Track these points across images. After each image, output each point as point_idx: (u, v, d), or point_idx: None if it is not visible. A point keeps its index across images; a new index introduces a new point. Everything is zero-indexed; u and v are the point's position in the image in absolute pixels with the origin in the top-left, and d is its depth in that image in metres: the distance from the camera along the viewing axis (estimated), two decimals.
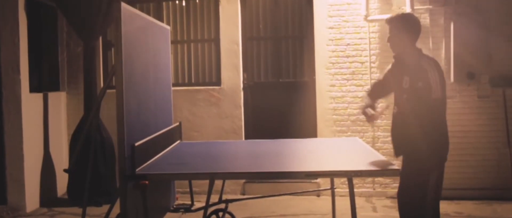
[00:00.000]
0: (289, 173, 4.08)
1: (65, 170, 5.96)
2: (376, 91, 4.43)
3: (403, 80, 3.97)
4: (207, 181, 3.99)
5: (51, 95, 7.38)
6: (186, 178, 4.51)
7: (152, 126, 4.80)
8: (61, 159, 7.51)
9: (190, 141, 6.32)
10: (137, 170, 3.98)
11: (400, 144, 4.12)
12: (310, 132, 7.12)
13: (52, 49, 7.65)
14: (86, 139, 5.95)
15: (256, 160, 4.58)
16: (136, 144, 4.04)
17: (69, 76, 7.83)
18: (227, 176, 4.15)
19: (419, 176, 3.94)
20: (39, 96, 7.12)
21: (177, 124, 5.71)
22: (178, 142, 5.59)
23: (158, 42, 5.23)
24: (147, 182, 3.87)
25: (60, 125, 7.60)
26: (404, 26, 4.06)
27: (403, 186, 4.10)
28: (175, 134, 5.55)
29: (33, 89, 7.00)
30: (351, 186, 3.81)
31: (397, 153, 4.17)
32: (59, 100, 7.65)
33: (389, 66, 4.25)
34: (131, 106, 4.18)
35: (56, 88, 7.70)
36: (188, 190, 5.57)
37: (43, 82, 7.43)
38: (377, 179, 7.04)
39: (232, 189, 7.25)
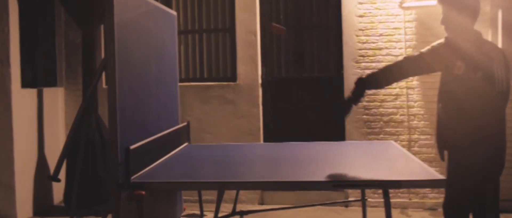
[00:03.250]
0: (313, 183, 3.70)
1: (48, 177, 5.66)
2: (391, 74, 3.92)
3: (455, 65, 3.62)
4: None
5: (47, 91, 7.13)
6: (190, 187, 4.16)
7: (153, 126, 4.49)
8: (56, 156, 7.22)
9: (200, 144, 5.98)
10: (132, 178, 3.69)
11: (446, 145, 3.75)
12: (337, 134, 6.91)
13: (48, 40, 7.41)
14: (73, 141, 5.64)
15: (274, 167, 4.29)
16: (132, 147, 3.71)
17: (67, 70, 7.58)
18: (239, 186, 3.77)
19: (470, 184, 3.61)
20: (32, 92, 6.87)
21: (185, 123, 5.36)
22: (185, 144, 5.28)
23: (162, 30, 4.94)
24: (143, 192, 3.60)
25: (57, 125, 7.33)
26: (461, 5, 3.76)
27: (451, 197, 3.72)
28: (181, 135, 5.25)
29: (25, 84, 6.77)
30: (387, 199, 3.52)
31: (442, 156, 3.81)
32: (55, 97, 7.38)
33: (435, 44, 3.80)
34: (126, 103, 3.88)
35: (52, 83, 7.46)
36: (198, 198, 5.26)
37: (38, 77, 7.19)
38: (414, 188, 6.70)
39: (248, 198, 7.01)
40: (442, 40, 3.80)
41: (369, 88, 4.02)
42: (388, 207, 3.53)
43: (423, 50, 3.83)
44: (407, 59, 3.92)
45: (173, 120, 5.17)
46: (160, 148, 4.44)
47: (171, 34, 5.23)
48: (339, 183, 3.61)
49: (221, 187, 3.58)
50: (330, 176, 3.71)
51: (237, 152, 4.99)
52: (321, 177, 3.77)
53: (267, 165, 4.45)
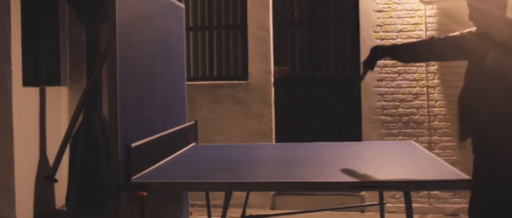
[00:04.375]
0: (327, 184, 3.51)
1: (44, 177, 5.54)
2: (416, 49, 3.75)
3: (487, 56, 3.41)
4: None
5: (50, 90, 7.03)
6: (194, 188, 3.99)
7: (157, 124, 4.36)
8: (61, 164, 7.06)
9: (208, 144, 5.83)
10: (133, 177, 3.52)
11: (469, 132, 3.54)
12: (353, 135, 6.79)
13: (51, 37, 7.32)
14: (69, 141, 5.53)
15: (286, 167, 4.12)
16: (133, 145, 3.55)
17: (71, 69, 7.50)
18: (248, 187, 3.59)
19: (499, 187, 3.35)
20: (34, 91, 6.77)
21: (192, 122, 5.22)
22: (192, 144, 5.12)
23: (169, 23, 4.83)
24: (145, 193, 3.43)
25: (60, 125, 7.22)
26: None
27: (477, 201, 3.48)
28: (189, 135, 5.10)
29: (27, 82, 6.65)
30: (408, 201, 3.33)
31: (462, 138, 3.58)
32: (59, 96, 7.28)
33: (465, 31, 3.61)
34: (128, 99, 3.74)
35: (56, 82, 7.37)
36: (205, 202, 5.08)
37: (40, 75, 7.10)
38: (433, 192, 6.63)
39: (260, 203, 6.93)
40: (472, 29, 3.60)
41: (387, 56, 3.85)
42: (409, 210, 3.36)
43: (451, 34, 3.63)
44: (434, 39, 3.77)
45: (179, 118, 5.03)
46: (164, 147, 4.28)
47: (178, 27, 5.10)
48: (356, 184, 3.42)
49: (228, 188, 3.40)
50: (346, 177, 3.54)
51: (247, 152, 4.86)
52: (336, 177, 3.60)
53: (279, 165, 4.30)
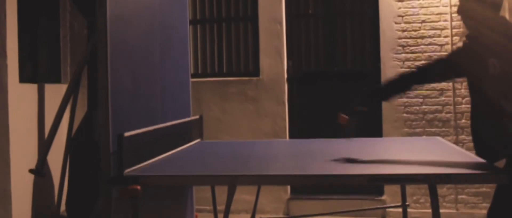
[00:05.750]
0: (343, 176, 3.25)
1: (30, 171, 5.36)
2: (407, 83, 3.80)
3: (488, 64, 3.32)
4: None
5: (49, 87, 6.84)
6: (193, 182, 3.74)
7: (157, 116, 4.20)
8: (61, 165, 6.91)
9: (217, 141, 5.66)
10: (126, 170, 3.31)
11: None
12: (374, 135, 6.60)
13: (51, 32, 7.17)
14: (74, 141, 5.38)
15: (298, 161, 3.93)
16: (126, 134, 3.32)
17: (73, 65, 7.30)
18: (253, 180, 3.32)
19: None
20: (32, 88, 6.58)
21: (197, 117, 5.00)
22: (197, 140, 4.90)
23: (169, 10, 4.64)
24: (138, 186, 3.22)
25: (60, 125, 6.97)
26: None
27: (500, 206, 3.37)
28: (193, 130, 4.92)
29: (25, 79, 6.47)
30: (434, 196, 3.10)
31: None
32: (59, 94, 7.04)
33: (455, 49, 3.72)
34: (121, 84, 3.58)
35: (56, 79, 7.20)
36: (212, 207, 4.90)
37: (39, 72, 6.92)
38: (460, 197, 6.48)
39: (273, 208, 6.82)
40: (461, 43, 3.62)
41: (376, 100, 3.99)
42: (436, 207, 3.11)
43: (440, 58, 3.71)
44: (424, 68, 3.78)
45: (183, 112, 4.85)
46: (164, 141, 4.10)
47: (181, 15, 4.93)
48: (375, 177, 3.16)
49: (232, 182, 3.13)
50: (364, 170, 3.31)
51: (257, 147, 4.66)
52: (353, 170, 3.37)
53: (290, 159, 4.11)
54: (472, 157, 3.68)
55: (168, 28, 4.56)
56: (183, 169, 3.60)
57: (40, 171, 4.90)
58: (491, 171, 3.12)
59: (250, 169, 3.52)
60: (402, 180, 3.47)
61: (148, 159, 3.68)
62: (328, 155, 3.96)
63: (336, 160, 3.74)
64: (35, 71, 6.83)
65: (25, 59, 6.57)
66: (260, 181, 3.48)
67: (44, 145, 4.81)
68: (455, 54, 3.67)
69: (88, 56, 4.28)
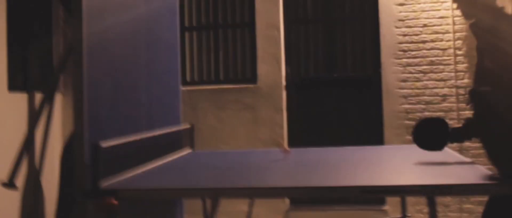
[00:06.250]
0: (335, 188, 3.04)
1: (3, 184, 5.20)
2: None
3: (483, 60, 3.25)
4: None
5: (41, 96, 6.67)
6: (173, 195, 3.55)
7: (141, 124, 4.01)
8: (52, 177, 6.76)
9: (208, 151, 5.55)
10: (103, 183, 3.12)
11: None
12: (375, 143, 6.58)
13: (44, 39, 7.08)
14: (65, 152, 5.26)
15: (291, 172, 3.72)
16: (103, 144, 3.13)
17: (66, 74, 7.15)
18: (238, 193, 3.11)
19: None
20: (22, 97, 6.44)
21: (187, 126, 4.83)
22: (187, 150, 4.73)
23: (157, 12, 4.52)
24: (115, 201, 3.03)
25: (52, 136, 6.82)
26: None
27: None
28: (182, 139, 4.75)
29: (14, 87, 6.34)
30: (432, 209, 2.95)
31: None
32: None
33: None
34: (100, 90, 3.38)
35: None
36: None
37: (30, 80, 6.77)
38: (466, 206, 6.39)
39: None
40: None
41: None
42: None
43: None
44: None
45: (171, 120, 4.69)
46: (148, 151, 3.92)
47: (169, 15, 4.74)
48: (368, 188, 2.96)
49: (214, 195, 2.94)
50: (357, 180, 3.14)
51: (249, 158, 4.51)
52: (346, 182, 3.18)
53: (283, 170, 3.88)
54: (475, 165, 3.53)
55: (156, 33, 4.41)
56: (165, 181, 3.41)
57: (12, 183, 4.76)
58: (493, 181, 2.92)
59: (235, 181, 3.33)
60: (397, 191, 3.27)
61: (129, 171, 3.49)
62: (323, 165, 3.82)
63: (331, 170, 3.57)
64: (26, 79, 6.70)
65: (16, 68, 6.45)
66: (244, 194, 3.28)
67: (16, 157, 4.67)
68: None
69: (63, 63, 4.11)
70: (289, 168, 3.85)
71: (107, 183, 3.14)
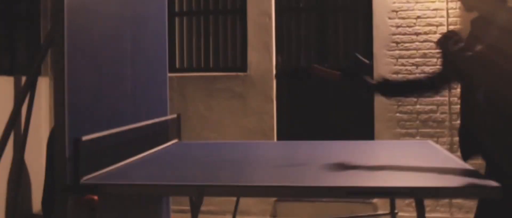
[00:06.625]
0: (319, 189, 3.00)
1: None
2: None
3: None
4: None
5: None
6: (155, 192, 3.49)
7: (126, 116, 3.92)
8: (40, 164, 6.72)
9: (195, 141, 5.53)
10: (82, 178, 3.06)
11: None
12: (365, 135, 6.65)
13: (31, 21, 7.03)
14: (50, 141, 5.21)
15: (278, 169, 3.65)
16: (84, 138, 3.08)
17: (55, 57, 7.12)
18: (222, 191, 3.06)
19: None
20: (8, 80, 6.41)
21: (174, 116, 4.78)
22: (174, 141, 4.69)
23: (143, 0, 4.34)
24: (95, 197, 2.97)
25: (39, 121, 6.84)
26: None
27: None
28: (169, 130, 4.72)
29: (0, 71, 6.33)
30: (421, 212, 2.91)
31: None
32: (39, 88, 6.82)
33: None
34: (82, 83, 3.29)
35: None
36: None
37: (17, 63, 6.76)
38: (455, 201, 6.42)
39: (259, 210, 6.73)
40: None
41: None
42: None
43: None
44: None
45: (159, 111, 4.60)
46: (133, 144, 3.85)
47: (158, 4, 4.69)
48: (355, 189, 2.91)
49: (199, 192, 2.89)
50: (344, 180, 3.10)
51: (236, 151, 4.46)
52: (332, 182, 3.13)
53: (270, 166, 3.83)
54: (463, 164, 3.47)
55: (142, 20, 4.30)
56: (148, 176, 3.36)
57: None
58: (483, 185, 2.88)
59: (221, 177, 3.29)
60: (384, 193, 3.22)
61: (112, 164, 3.43)
62: (311, 162, 3.76)
63: (318, 168, 3.51)
64: (13, 63, 6.70)
65: (2, 51, 6.43)
66: (230, 192, 3.24)
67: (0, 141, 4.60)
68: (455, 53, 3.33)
69: (45, 50, 4.02)
70: (276, 164, 3.81)
71: (88, 178, 3.09)
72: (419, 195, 2.87)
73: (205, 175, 3.37)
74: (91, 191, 2.95)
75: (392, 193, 3.23)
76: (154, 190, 3.12)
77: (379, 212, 6.21)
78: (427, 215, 3.05)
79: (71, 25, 3.12)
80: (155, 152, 4.14)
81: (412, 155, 4.07)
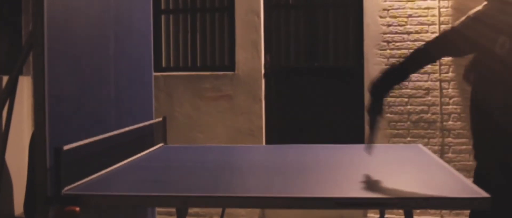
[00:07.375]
0: (306, 200, 2.98)
1: None
2: (415, 63, 3.58)
3: (496, 42, 3.19)
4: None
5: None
6: (138, 203, 3.47)
7: (110, 122, 3.88)
8: (21, 166, 6.67)
9: (184, 145, 5.46)
10: (64, 189, 3.02)
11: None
12: (355, 136, 6.61)
13: (12, 20, 7.03)
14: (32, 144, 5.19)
15: (265, 177, 3.65)
16: (66, 147, 3.04)
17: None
18: (207, 202, 3.05)
19: None
20: None
21: (159, 119, 4.76)
22: (160, 145, 4.66)
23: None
24: (77, 208, 2.95)
25: (21, 121, 6.80)
26: None
27: None
28: (154, 134, 4.68)
29: None
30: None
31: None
32: (20, 87, 6.79)
33: (464, 20, 3.40)
34: (63, 90, 3.25)
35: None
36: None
37: None
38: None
39: (247, 212, 6.75)
40: (479, 7, 3.32)
41: (392, 86, 3.51)
42: None
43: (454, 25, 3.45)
44: (419, 51, 3.60)
45: (143, 115, 4.58)
46: (116, 151, 3.82)
47: (142, 3, 4.65)
48: (343, 200, 2.91)
49: (182, 203, 2.88)
50: (333, 190, 3.10)
51: (223, 156, 4.43)
52: (320, 191, 3.12)
53: (256, 174, 3.83)
54: (454, 172, 3.48)
55: (127, 21, 4.27)
56: (133, 184, 3.33)
57: None
58: (472, 197, 2.88)
59: (206, 186, 3.26)
60: (373, 204, 3.22)
61: (95, 172, 3.40)
62: (300, 169, 3.74)
63: (307, 176, 3.51)
64: None
65: None
66: (215, 203, 3.21)
67: None
68: (457, 29, 3.45)
69: (27, 51, 3.98)
70: (264, 171, 3.80)
71: (69, 188, 3.06)
72: (408, 206, 2.91)
73: (189, 184, 3.33)
74: (73, 202, 2.93)
75: (381, 205, 3.24)
76: (136, 201, 3.09)
77: (369, 215, 6.18)
78: (416, 217, 3.07)
79: (51, 25, 3.07)
80: (140, 157, 4.11)
81: (402, 161, 4.07)
